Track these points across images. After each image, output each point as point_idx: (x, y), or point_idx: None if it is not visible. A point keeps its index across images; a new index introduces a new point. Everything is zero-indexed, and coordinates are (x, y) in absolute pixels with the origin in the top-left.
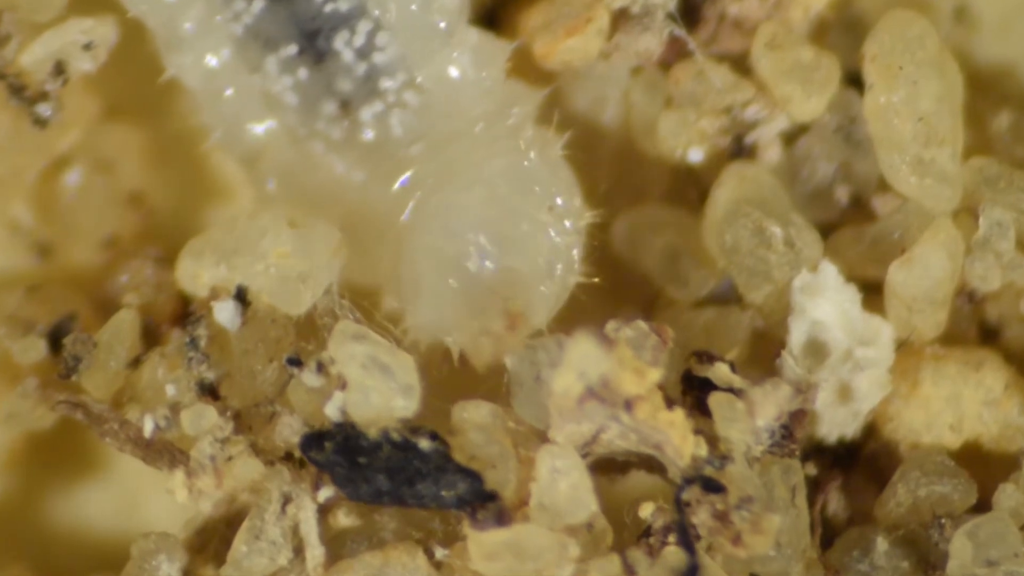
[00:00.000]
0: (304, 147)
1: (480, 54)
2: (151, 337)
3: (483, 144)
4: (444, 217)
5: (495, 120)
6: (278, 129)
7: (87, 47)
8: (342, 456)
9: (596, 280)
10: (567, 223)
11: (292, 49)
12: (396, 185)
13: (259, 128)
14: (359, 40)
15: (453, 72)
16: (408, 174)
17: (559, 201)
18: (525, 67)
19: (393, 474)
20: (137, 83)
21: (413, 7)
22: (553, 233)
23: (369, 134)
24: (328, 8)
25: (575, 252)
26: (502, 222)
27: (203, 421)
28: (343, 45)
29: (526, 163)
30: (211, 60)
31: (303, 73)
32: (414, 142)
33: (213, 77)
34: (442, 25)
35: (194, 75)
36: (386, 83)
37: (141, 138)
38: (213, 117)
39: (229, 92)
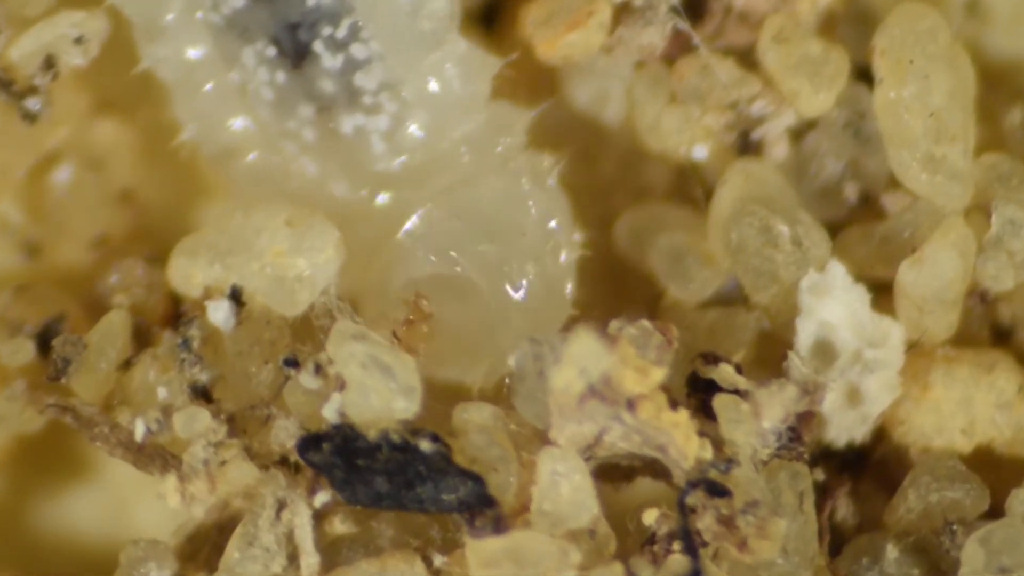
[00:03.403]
0: (278, 148)
1: (467, 67)
2: (142, 338)
3: (475, 174)
4: (434, 244)
5: (482, 145)
6: (254, 128)
7: (78, 40)
8: (340, 458)
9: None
10: (561, 254)
11: (271, 50)
12: (374, 199)
13: (235, 125)
14: (340, 43)
15: (437, 85)
16: (390, 195)
17: (554, 231)
18: (526, 64)
19: (392, 476)
20: (128, 79)
21: (401, 14)
22: (546, 264)
23: (346, 141)
24: (311, 8)
25: (568, 285)
26: (494, 252)
27: (196, 424)
28: (323, 48)
29: (520, 191)
30: (191, 53)
31: (281, 76)
32: (394, 156)
33: (192, 71)
34: (430, 31)
35: (172, 68)
36: (366, 91)
37: (132, 135)
38: (188, 112)
39: (208, 87)
